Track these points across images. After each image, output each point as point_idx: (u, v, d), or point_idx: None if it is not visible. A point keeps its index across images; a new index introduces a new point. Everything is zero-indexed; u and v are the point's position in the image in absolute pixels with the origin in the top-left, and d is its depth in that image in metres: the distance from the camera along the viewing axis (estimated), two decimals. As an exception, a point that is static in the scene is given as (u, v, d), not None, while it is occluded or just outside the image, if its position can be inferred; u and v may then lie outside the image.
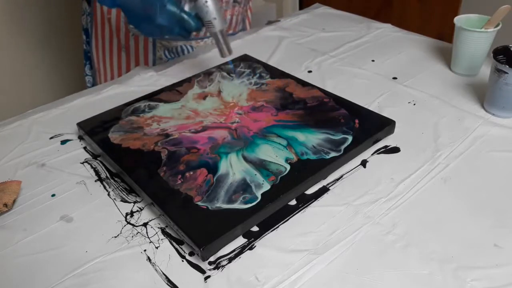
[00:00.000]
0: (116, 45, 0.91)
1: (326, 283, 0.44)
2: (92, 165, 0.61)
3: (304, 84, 0.73)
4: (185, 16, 0.66)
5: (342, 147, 0.58)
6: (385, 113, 0.65)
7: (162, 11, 0.65)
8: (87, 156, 0.63)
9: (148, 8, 0.65)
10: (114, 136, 0.63)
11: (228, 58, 0.75)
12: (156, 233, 0.50)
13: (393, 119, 0.63)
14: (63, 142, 0.66)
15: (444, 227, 0.49)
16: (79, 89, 0.84)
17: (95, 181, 0.58)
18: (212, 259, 0.47)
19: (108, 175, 0.59)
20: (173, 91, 0.74)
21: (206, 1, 0.66)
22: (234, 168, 0.56)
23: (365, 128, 0.62)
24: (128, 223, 0.52)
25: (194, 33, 0.70)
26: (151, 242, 0.49)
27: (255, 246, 0.48)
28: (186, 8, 0.67)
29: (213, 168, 0.56)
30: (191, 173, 0.55)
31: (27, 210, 0.54)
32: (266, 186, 0.52)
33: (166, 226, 0.51)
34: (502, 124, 0.64)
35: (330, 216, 0.51)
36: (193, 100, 0.71)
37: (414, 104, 0.70)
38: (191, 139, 0.62)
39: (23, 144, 0.66)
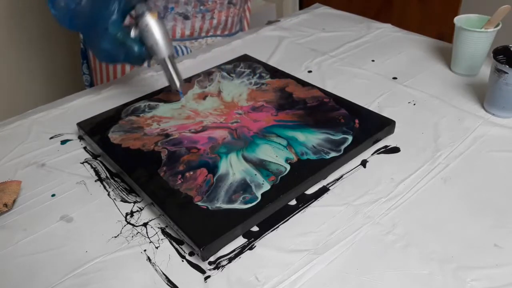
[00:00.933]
0: None
1: (326, 283, 0.44)
2: (92, 165, 0.61)
3: (304, 84, 0.73)
4: (127, 41, 0.60)
5: (342, 147, 0.58)
6: (385, 113, 0.65)
7: (104, 34, 0.60)
8: (87, 156, 0.63)
9: (94, 32, 0.61)
10: (114, 136, 0.63)
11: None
12: (156, 233, 0.50)
13: (393, 119, 0.63)
14: (63, 142, 0.66)
15: (444, 227, 0.49)
16: (79, 89, 0.84)
17: (95, 181, 0.58)
18: (212, 259, 0.47)
19: (108, 175, 0.59)
20: (173, 91, 0.73)
21: (147, 25, 0.60)
22: (234, 168, 0.56)
23: (365, 128, 0.62)
24: (128, 223, 0.52)
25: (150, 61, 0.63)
26: (151, 242, 0.49)
27: (255, 246, 0.48)
28: (132, 33, 0.61)
29: (213, 168, 0.56)
30: (191, 173, 0.55)
31: (27, 210, 0.54)
32: (266, 186, 0.52)
33: (166, 226, 0.51)
34: (502, 124, 0.64)
35: (330, 216, 0.51)
36: (193, 100, 0.71)
37: (414, 104, 0.70)
38: (191, 139, 0.62)
39: (23, 144, 0.66)
